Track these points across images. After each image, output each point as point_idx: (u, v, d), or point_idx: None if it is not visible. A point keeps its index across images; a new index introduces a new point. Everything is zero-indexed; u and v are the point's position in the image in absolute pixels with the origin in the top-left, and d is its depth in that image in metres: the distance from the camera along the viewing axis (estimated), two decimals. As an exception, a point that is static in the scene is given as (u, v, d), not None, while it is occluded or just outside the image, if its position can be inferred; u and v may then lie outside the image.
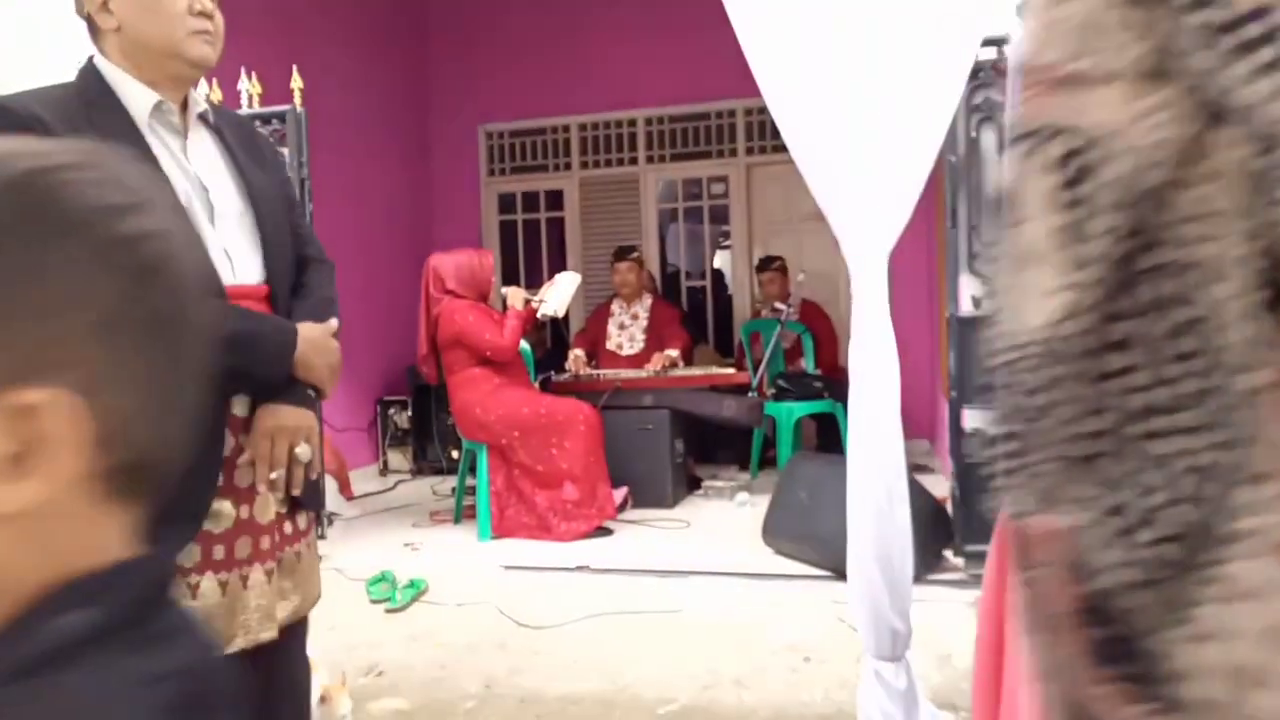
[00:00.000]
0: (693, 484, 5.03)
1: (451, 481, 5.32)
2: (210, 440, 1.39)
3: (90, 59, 1.41)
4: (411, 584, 3.41)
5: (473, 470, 4.42)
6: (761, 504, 4.00)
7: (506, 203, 7.30)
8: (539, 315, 4.40)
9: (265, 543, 1.47)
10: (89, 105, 1.35)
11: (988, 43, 2.97)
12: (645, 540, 4.08)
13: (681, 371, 5.02)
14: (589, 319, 5.86)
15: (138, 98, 1.39)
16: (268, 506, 1.47)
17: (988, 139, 3.21)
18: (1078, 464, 0.64)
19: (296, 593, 1.53)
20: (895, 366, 2.00)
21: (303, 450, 1.46)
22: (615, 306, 5.59)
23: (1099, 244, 0.61)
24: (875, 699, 1.99)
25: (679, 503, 4.75)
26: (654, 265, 6.88)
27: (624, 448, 4.53)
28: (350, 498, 5.17)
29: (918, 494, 3.04)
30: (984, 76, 3.17)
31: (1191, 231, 0.60)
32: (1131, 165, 0.59)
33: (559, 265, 6.97)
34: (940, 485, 4.22)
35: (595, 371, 5.15)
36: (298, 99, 3.85)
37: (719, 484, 4.89)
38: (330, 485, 4.69)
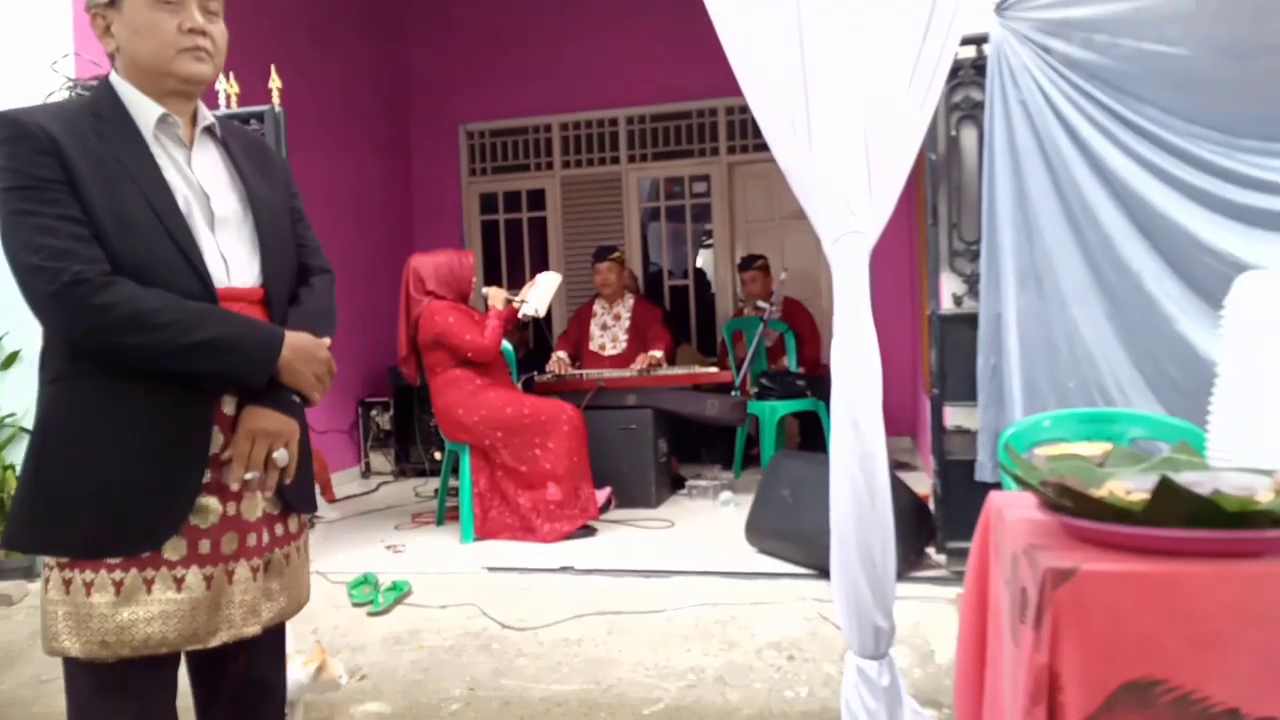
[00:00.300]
0: (676, 483, 5.03)
1: (434, 483, 5.31)
2: (194, 437, 1.43)
3: (108, 76, 1.50)
4: (394, 586, 3.39)
5: (455, 471, 4.40)
6: (745, 503, 4.00)
7: (488, 202, 7.28)
8: (520, 315, 4.39)
9: (252, 540, 1.49)
10: (98, 118, 1.43)
11: (967, 41, 2.99)
12: (629, 540, 4.07)
13: (664, 371, 5.02)
14: (571, 320, 5.84)
15: (144, 111, 1.46)
16: (255, 505, 1.50)
17: (968, 137, 3.22)
18: None
19: (284, 594, 1.55)
20: (877, 364, 2.01)
21: (280, 455, 1.48)
22: (597, 307, 5.58)
23: None
24: (859, 696, 1.99)
25: (662, 502, 4.75)
26: (636, 265, 6.88)
27: (607, 448, 4.53)
28: (332, 500, 5.14)
29: (900, 491, 3.05)
30: (963, 75, 3.18)
31: None
32: None
33: (541, 265, 6.96)
34: (923, 482, 4.24)
35: (578, 372, 5.14)
36: (276, 99, 3.82)
37: (702, 483, 4.89)
38: (312, 488, 4.65)
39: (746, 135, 6.67)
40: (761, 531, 3.70)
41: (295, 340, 1.48)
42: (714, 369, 5.15)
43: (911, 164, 2.08)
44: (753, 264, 5.86)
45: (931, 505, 3.43)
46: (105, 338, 1.36)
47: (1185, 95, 2.81)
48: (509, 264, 7.28)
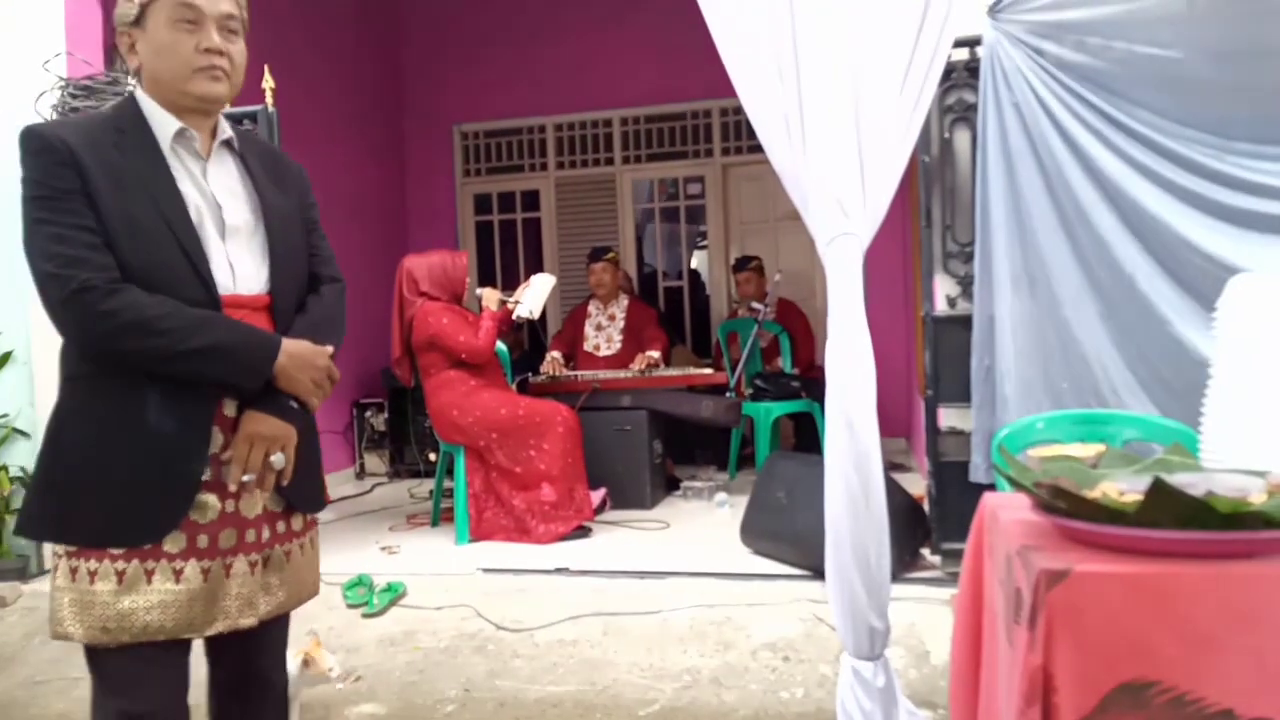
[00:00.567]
0: (671, 484, 5.03)
1: (429, 484, 5.31)
2: (194, 437, 1.50)
3: (132, 91, 1.58)
4: (389, 588, 3.39)
5: (450, 473, 4.39)
6: (740, 504, 4.00)
7: (482, 203, 7.27)
8: (514, 316, 4.39)
9: (250, 536, 1.56)
10: (119, 131, 1.51)
11: (959, 43, 3.00)
12: (624, 541, 4.07)
13: (659, 372, 5.03)
14: (566, 320, 5.84)
15: (163, 125, 1.53)
16: (254, 503, 1.57)
17: (961, 139, 3.23)
18: None
19: (283, 589, 1.62)
20: (871, 365, 2.01)
21: (276, 458, 1.55)
22: (592, 307, 5.58)
23: None
24: (854, 697, 2.00)
25: (657, 503, 4.75)
26: (631, 266, 6.88)
27: (602, 449, 4.53)
28: (327, 501, 5.12)
29: (895, 492, 3.06)
30: (957, 77, 3.19)
31: None
32: None
33: (536, 266, 6.96)
34: (917, 483, 4.25)
35: (573, 372, 5.14)
36: (269, 99, 3.81)
37: (697, 484, 4.90)
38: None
39: (741, 137, 6.68)
40: (756, 533, 3.70)
41: (292, 347, 1.54)
42: (709, 370, 5.16)
43: (905, 166, 2.08)
44: (747, 265, 5.87)
45: (926, 506, 3.43)
46: (110, 342, 1.43)
47: (1178, 97, 2.82)
48: (503, 265, 7.28)
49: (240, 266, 1.56)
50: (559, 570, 3.62)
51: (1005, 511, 1.34)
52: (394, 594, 3.36)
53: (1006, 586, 1.21)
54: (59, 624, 1.48)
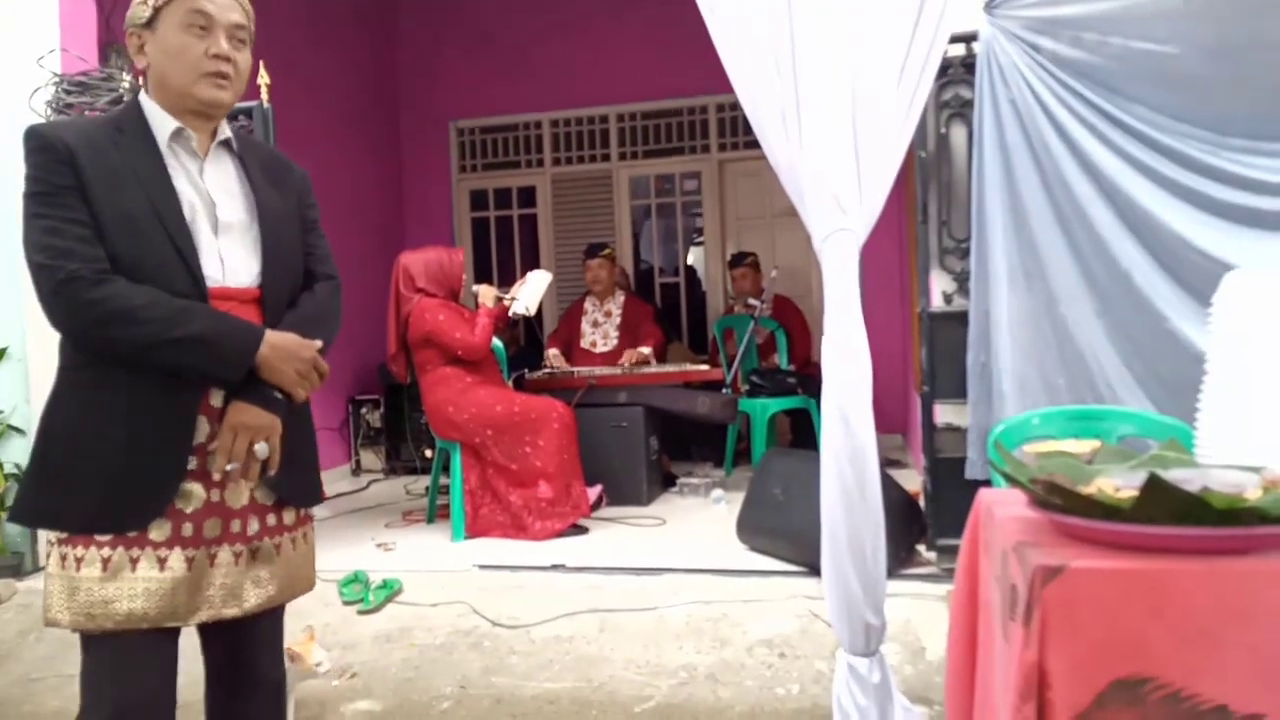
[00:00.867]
0: (667, 481, 5.03)
1: (425, 481, 5.29)
2: (179, 426, 1.53)
3: (137, 94, 1.63)
4: (385, 584, 3.39)
5: (446, 469, 4.39)
6: (736, 500, 4.00)
7: (478, 199, 7.27)
8: (510, 313, 4.38)
9: (235, 526, 1.58)
10: (120, 131, 1.56)
11: (956, 39, 2.99)
12: (620, 538, 4.07)
13: (655, 368, 5.02)
14: (562, 317, 5.84)
15: (162, 124, 1.59)
16: (240, 493, 1.59)
17: (958, 135, 3.23)
18: None
19: (273, 582, 1.63)
20: (867, 361, 2.01)
21: (260, 448, 1.57)
22: (588, 304, 5.57)
23: None
24: (850, 693, 2.00)
25: (654, 500, 4.75)
26: (627, 262, 6.88)
27: (598, 445, 4.52)
28: (323, 498, 5.12)
29: (891, 489, 3.06)
30: (953, 73, 3.19)
31: None
32: None
33: (532, 262, 6.95)
34: (913, 480, 4.25)
35: (569, 369, 5.13)
36: (265, 95, 3.80)
37: (694, 481, 4.90)
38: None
39: (737, 132, 6.68)
40: (753, 529, 3.70)
41: (276, 339, 1.57)
42: (705, 366, 5.16)
43: (901, 161, 2.08)
44: (743, 261, 5.86)
45: (922, 502, 3.43)
46: (95, 331, 1.47)
47: (1174, 93, 2.82)
48: (499, 261, 7.27)
49: (231, 260, 1.59)
50: (555, 567, 3.62)
51: (1001, 507, 1.34)
52: (390, 591, 3.36)
53: (1002, 582, 1.21)
54: (49, 610, 1.51)
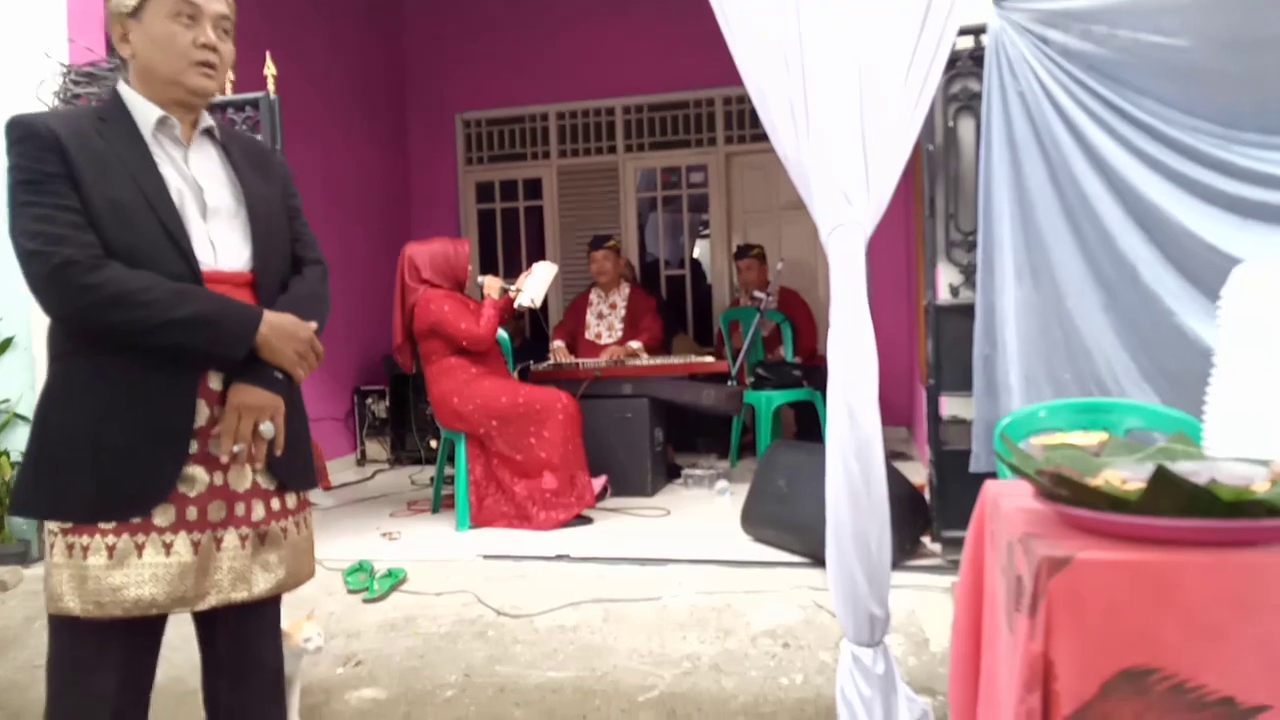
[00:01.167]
0: (672, 472, 5.04)
1: (430, 471, 5.31)
2: (178, 410, 1.53)
3: (117, 85, 1.63)
4: (390, 574, 3.40)
5: (451, 460, 4.40)
6: (741, 492, 4.01)
7: (484, 191, 7.26)
8: (516, 305, 4.38)
9: (240, 509, 1.59)
10: (103, 120, 1.56)
11: (964, 31, 2.98)
12: (624, 529, 4.08)
13: (661, 360, 5.02)
14: (568, 309, 5.84)
15: (145, 114, 1.59)
16: (244, 476, 1.60)
17: (965, 128, 3.22)
18: None
19: (282, 567, 1.64)
20: (873, 354, 2.01)
21: (266, 428, 1.58)
22: (593, 296, 5.58)
23: None
24: (854, 684, 2.00)
25: (658, 491, 4.75)
26: (633, 254, 6.88)
27: (603, 437, 4.53)
28: (328, 488, 5.14)
29: (896, 481, 3.06)
30: (961, 65, 3.17)
31: None
32: None
33: (538, 254, 6.95)
34: (918, 472, 4.25)
35: (575, 360, 5.14)
36: (271, 86, 3.80)
37: (698, 472, 4.90)
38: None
39: (744, 125, 6.66)
40: (757, 520, 3.71)
41: (274, 319, 1.57)
42: (710, 359, 5.16)
43: (908, 154, 2.08)
44: (748, 253, 5.86)
45: (927, 494, 3.44)
46: (94, 315, 1.47)
47: (1183, 87, 2.81)
48: (505, 253, 7.27)
49: (222, 244, 1.60)
50: (559, 557, 3.63)
51: (1007, 499, 1.34)
52: (395, 580, 3.37)
53: (1008, 574, 1.22)
54: (58, 600, 1.51)
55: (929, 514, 3.39)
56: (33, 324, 3.77)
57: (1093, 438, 1.39)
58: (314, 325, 1.64)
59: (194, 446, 1.54)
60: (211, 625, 1.66)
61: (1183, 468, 1.09)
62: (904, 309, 5.83)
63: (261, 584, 1.60)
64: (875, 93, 2.01)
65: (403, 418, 5.95)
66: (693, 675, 2.60)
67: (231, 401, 1.54)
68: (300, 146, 4.74)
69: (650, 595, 3.15)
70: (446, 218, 7.08)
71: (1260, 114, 2.75)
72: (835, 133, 2.01)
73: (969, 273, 3.21)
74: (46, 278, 1.45)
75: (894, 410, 5.41)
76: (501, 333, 4.47)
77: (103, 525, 1.49)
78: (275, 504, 1.64)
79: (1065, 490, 1.13)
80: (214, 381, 1.56)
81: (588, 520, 4.15)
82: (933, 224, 3.27)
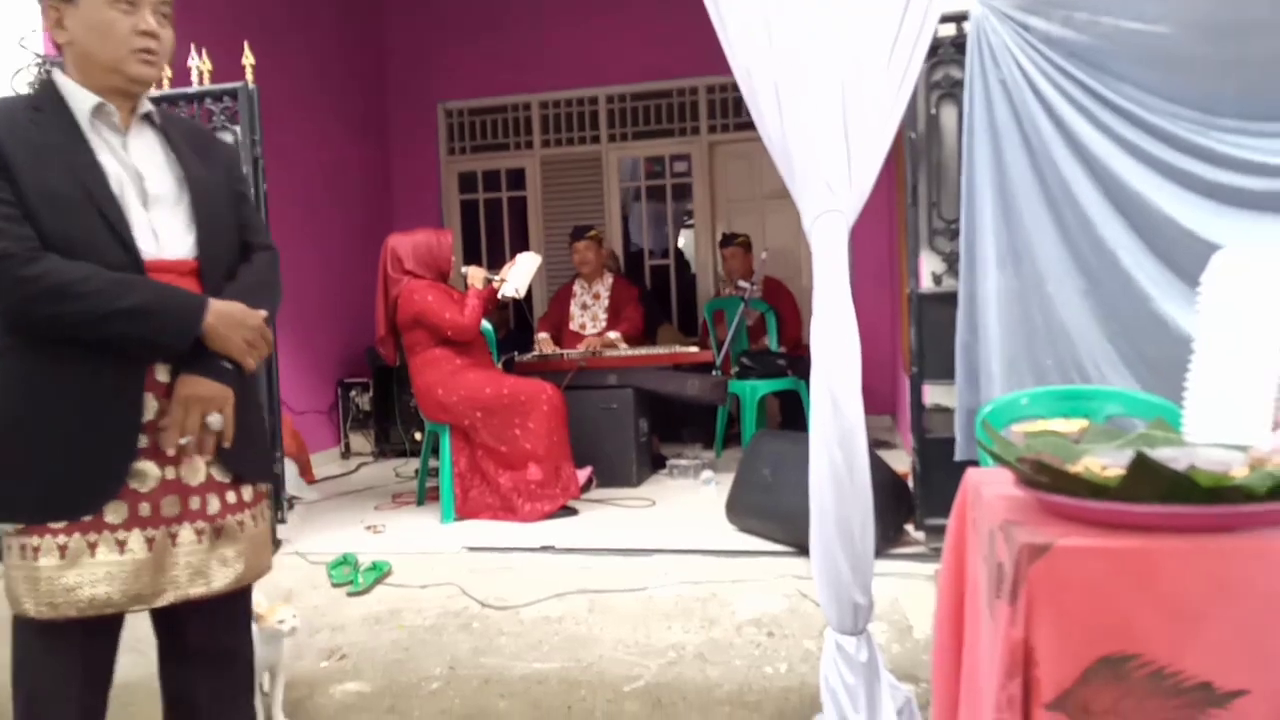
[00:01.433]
0: (657, 463, 5.04)
1: (414, 463, 5.29)
2: (125, 405, 1.50)
3: (50, 73, 1.60)
4: (374, 566, 3.38)
5: (436, 452, 4.38)
6: (726, 482, 4.01)
7: (467, 181, 7.23)
8: (500, 295, 4.36)
9: (195, 503, 1.57)
10: (37, 110, 1.52)
11: (946, 18, 2.98)
12: (610, 519, 4.08)
13: (646, 350, 5.02)
14: (552, 301, 5.82)
15: (81, 101, 1.54)
16: (196, 470, 1.57)
17: (948, 116, 3.22)
18: None
19: (240, 561, 1.62)
20: (856, 342, 2.01)
21: (214, 419, 1.55)
22: (577, 287, 5.56)
23: None
24: (837, 672, 2.01)
25: (643, 482, 4.75)
26: (617, 245, 6.86)
27: (588, 428, 4.52)
28: (311, 481, 5.11)
29: (879, 469, 3.07)
30: (943, 53, 3.17)
31: None
32: None
33: (521, 245, 6.92)
34: (901, 460, 4.26)
35: (559, 351, 5.13)
36: (249, 75, 3.76)
37: (683, 462, 4.90)
38: (291, 469, 4.63)
39: (727, 114, 6.65)
40: (742, 510, 3.71)
41: (220, 307, 1.54)
42: (695, 349, 5.16)
43: (890, 142, 2.07)
44: (733, 241, 5.86)
45: (910, 483, 3.44)
46: (33, 308, 1.44)
47: (1164, 73, 2.81)
48: (489, 243, 7.24)
49: (164, 232, 1.57)
50: (545, 548, 3.62)
51: (988, 487, 1.34)
52: (379, 573, 3.36)
53: (989, 561, 1.22)
54: (16, 602, 1.50)
55: (912, 502, 3.40)
56: None
57: (1073, 425, 1.39)
58: (263, 313, 1.60)
59: (143, 441, 1.52)
60: (174, 620, 1.63)
61: (1162, 454, 1.10)
62: (887, 297, 5.84)
63: (220, 579, 1.58)
64: (857, 80, 2.01)
65: (387, 410, 5.93)
66: (678, 665, 2.60)
67: (178, 393, 1.51)
68: (280, 137, 4.70)
69: (635, 586, 3.16)
70: (429, 208, 7.04)
71: (1239, 100, 2.76)
72: (818, 120, 2.00)
73: (951, 261, 3.22)
74: None
75: (877, 398, 5.43)
76: (485, 324, 4.46)
77: (53, 525, 1.46)
78: (231, 497, 1.62)
79: (1045, 477, 1.14)
80: (161, 373, 1.53)
81: (573, 511, 4.15)
82: (915, 212, 3.27)
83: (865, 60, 2.01)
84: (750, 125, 2.12)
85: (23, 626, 1.52)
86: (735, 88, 2.11)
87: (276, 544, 3.82)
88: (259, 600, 2.29)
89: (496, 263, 5.51)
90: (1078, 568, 1.05)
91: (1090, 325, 2.90)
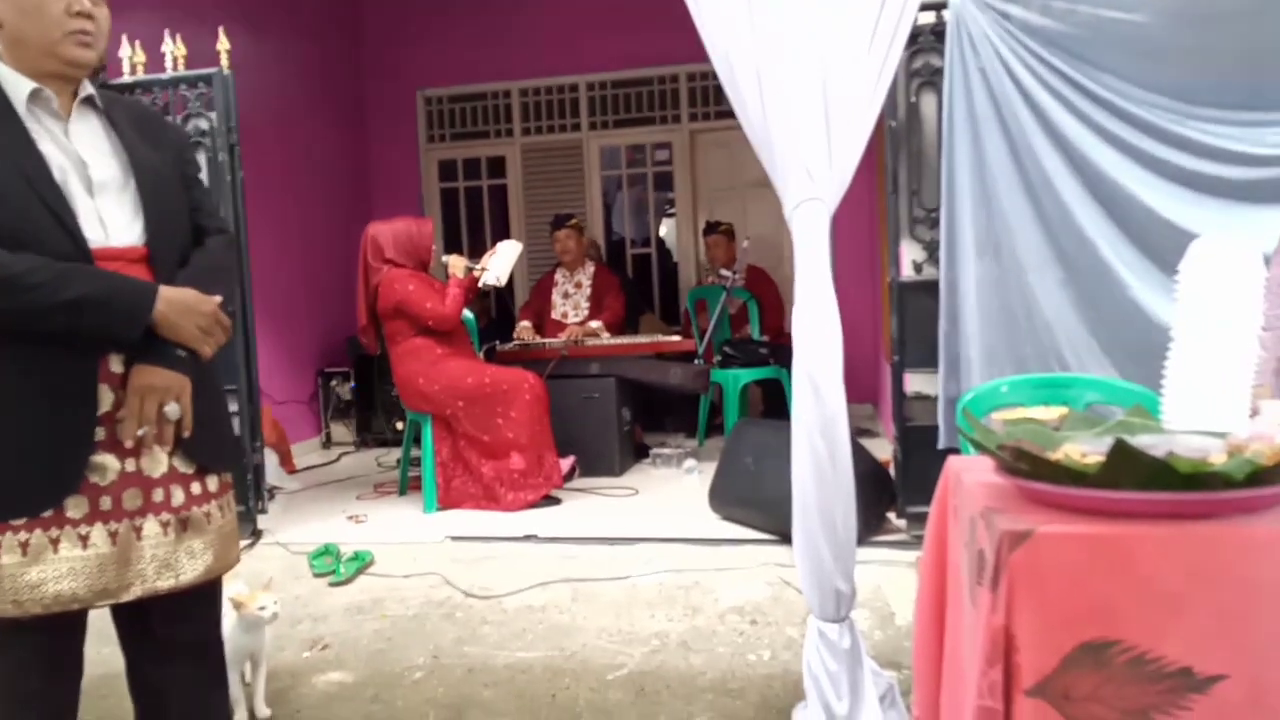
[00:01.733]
0: (640, 452, 5.04)
1: (396, 453, 5.27)
2: (79, 398, 1.47)
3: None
4: (356, 556, 3.37)
5: (418, 441, 4.37)
6: (708, 470, 4.02)
7: (447, 169, 7.18)
8: (480, 284, 4.34)
9: (158, 495, 1.53)
10: None
11: (926, 6, 2.98)
12: (593, 508, 4.08)
13: (628, 339, 5.01)
14: (533, 290, 5.81)
15: (16, 87, 1.48)
16: (158, 461, 1.53)
17: (928, 104, 3.22)
18: None
19: (208, 552, 1.59)
20: (838, 330, 2.01)
21: (171, 409, 1.51)
22: (559, 276, 5.55)
23: None
24: (820, 659, 2.01)
25: (626, 471, 4.76)
26: (599, 233, 6.84)
27: (571, 417, 4.52)
28: (292, 471, 5.09)
29: (861, 457, 3.08)
30: (923, 41, 3.17)
31: None
32: None
33: (502, 233, 6.89)
34: (883, 448, 4.28)
35: (541, 340, 5.12)
36: (225, 61, 3.72)
37: (666, 451, 4.91)
38: (271, 459, 4.61)
39: (709, 102, 6.63)
40: (725, 498, 3.72)
41: (171, 294, 1.50)
42: (677, 337, 5.16)
43: (871, 130, 2.07)
44: (716, 229, 5.86)
45: (892, 470, 3.46)
46: None
47: (1142, 62, 2.82)
48: (469, 232, 7.21)
49: (111, 220, 1.52)
50: (528, 537, 3.62)
51: (969, 474, 1.34)
52: (361, 563, 3.34)
53: (970, 548, 1.22)
54: None
55: (894, 490, 3.42)
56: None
57: (1053, 412, 1.40)
58: (217, 298, 1.57)
59: (101, 434, 1.48)
60: (143, 615, 1.60)
61: (1141, 441, 1.10)
62: (868, 286, 5.86)
63: (189, 571, 1.55)
64: (837, 67, 2.00)
65: (368, 399, 5.90)
66: (661, 653, 2.61)
67: (133, 384, 1.48)
68: (256, 123, 4.66)
69: (619, 574, 3.16)
70: (408, 196, 6.99)
71: (1216, 89, 2.77)
72: (798, 108, 1.99)
73: (932, 249, 3.23)
74: None
75: (859, 387, 5.45)
76: (467, 313, 4.44)
77: (13, 522, 1.43)
78: (196, 488, 1.58)
79: (1026, 465, 1.14)
80: (115, 364, 1.49)
81: (556, 500, 4.14)
82: (896, 200, 3.28)
83: (846, 47, 2.00)
84: (731, 114, 2.11)
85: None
86: (716, 76, 2.11)
87: (257, 534, 3.80)
88: (240, 588, 2.27)
89: (477, 251, 5.48)
90: (1058, 554, 1.05)
91: (1069, 313, 2.92)
